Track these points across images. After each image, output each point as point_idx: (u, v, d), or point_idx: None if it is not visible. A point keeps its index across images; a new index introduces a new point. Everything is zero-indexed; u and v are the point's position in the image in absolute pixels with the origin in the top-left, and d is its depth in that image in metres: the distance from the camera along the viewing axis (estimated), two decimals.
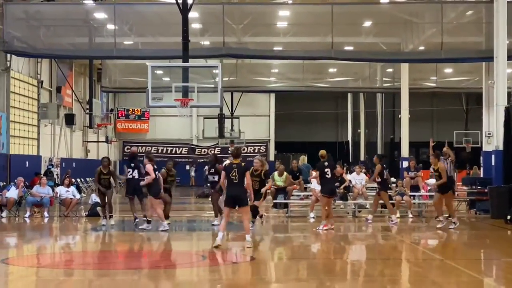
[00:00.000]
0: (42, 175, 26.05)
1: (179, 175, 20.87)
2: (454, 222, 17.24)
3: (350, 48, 28.11)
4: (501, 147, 21.13)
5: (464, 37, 25.84)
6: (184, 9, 20.68)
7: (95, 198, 20.72)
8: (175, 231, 17.46)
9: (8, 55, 27.49)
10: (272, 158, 47.01)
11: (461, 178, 26.52)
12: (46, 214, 20.66)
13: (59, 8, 25.47)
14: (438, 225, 17.28)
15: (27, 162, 30.57)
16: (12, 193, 21.08)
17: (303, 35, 27.75)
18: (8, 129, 28.72)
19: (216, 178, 17.05)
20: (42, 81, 33.27)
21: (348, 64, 33.77)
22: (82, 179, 34.23)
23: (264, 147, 48.57)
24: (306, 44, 27.87)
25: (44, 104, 33.22)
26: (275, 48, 28.43)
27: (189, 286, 10.23)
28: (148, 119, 47.81)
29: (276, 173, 21.85)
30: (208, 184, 18.05)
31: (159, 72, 30.04)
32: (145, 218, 17.16)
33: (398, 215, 19.38)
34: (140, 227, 17.05)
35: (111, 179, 18.07)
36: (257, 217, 17.18)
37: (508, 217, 18.38)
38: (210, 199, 18.95)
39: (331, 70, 36.84)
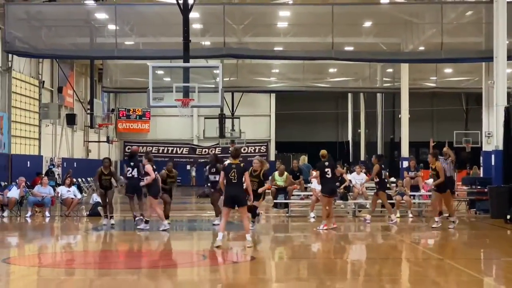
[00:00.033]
0: (43, 175, 26.08)
1: (179, 175, 20.87)
2: (453, 222, 17.27)
3: (350, 48, 28.11)
4: (501, 147, 21.13)
5: (464, 37, 25.84)
6: (185, 10, 20.71)
7: (96, 198, 20.78)
8: (175, 230, 17.51)
9: (10, 55, 27.57)
10: (272, 158, 47.03)
11: (461, 178, 26.52)
12: (47, 214, 20.73)
13: (60, 9, 25.49)
14: (433, 224, 17.29)
15: (28, 162, 30.63)
16: (14, 193, 21.13)
17: (303, 35, 27.77)
18: (9, 129, 28.80)
19: (216, 178, 17.02)
20: (44, 81, 33.35)
21: (348, 64, 33.77)
22: (83, 179, 34.31)
23: (265, 147, 48.58)
24: (307, 44, 27.90)
25: (45, 104, 33.30)
26: (275, 48, 28.46)
27: (190, 285, 10.26)
28: (149, 119, 47.83)
29: (276, 173, 21.90)
30: (209, 184, 18.07)
31: (160, 72, 30.11)
32: (142, 218, 17.22)
33: (398, 214, 19.43)
34: (138, 227, 17.11)
35: (112, 179, 18.19)
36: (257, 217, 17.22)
37: (508, 216, 18.40)
38: (210, 199, 18.98)
39: (331, 70, 36.83)
